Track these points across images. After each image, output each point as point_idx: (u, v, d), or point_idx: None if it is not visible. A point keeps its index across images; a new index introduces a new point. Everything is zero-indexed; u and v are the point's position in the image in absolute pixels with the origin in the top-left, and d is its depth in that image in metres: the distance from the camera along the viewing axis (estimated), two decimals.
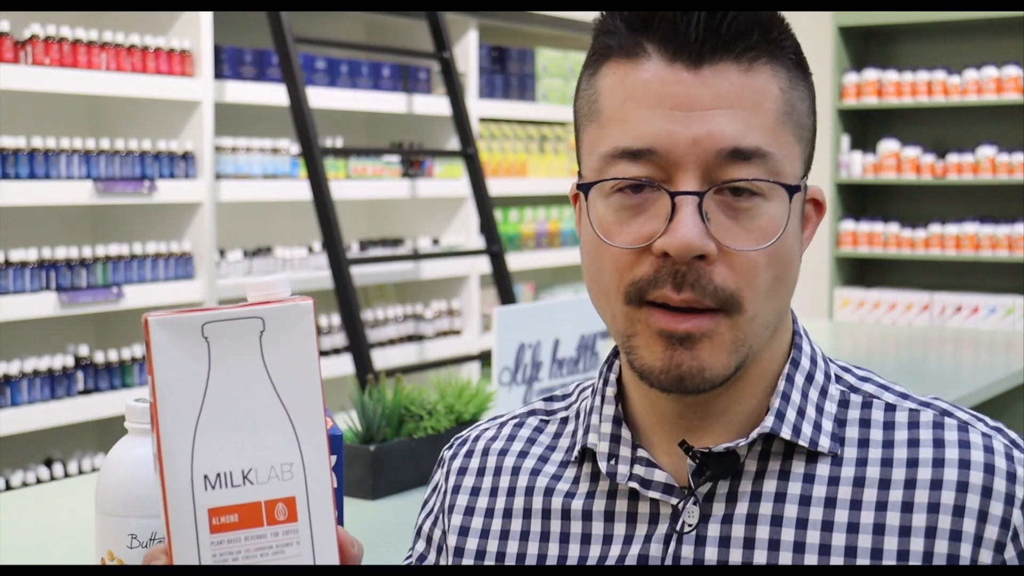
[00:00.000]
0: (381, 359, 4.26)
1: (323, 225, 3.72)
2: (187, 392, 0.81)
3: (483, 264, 4.74)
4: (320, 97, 4.13)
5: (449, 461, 1.13)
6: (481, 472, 1.09)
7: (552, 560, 1.01)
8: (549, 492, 1.04)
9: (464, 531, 1.07)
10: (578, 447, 1.03)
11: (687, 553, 0.96)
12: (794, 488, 0.95)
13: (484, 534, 1.05)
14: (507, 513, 1.05)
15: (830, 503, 0.94)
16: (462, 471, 1.10)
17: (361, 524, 1.91)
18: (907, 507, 0.93)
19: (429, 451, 2.16)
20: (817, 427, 0.97)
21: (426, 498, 1.15)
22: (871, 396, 1.00)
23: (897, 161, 5.80)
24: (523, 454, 1.07)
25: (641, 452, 0.99)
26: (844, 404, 0.99)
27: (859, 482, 0.94)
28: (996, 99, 5.60)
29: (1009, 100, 5.58)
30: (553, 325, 2.52)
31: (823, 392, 0.99)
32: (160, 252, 3.80)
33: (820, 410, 0.98)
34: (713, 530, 0.95)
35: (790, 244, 0.94)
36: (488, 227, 4.26)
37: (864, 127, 6.06)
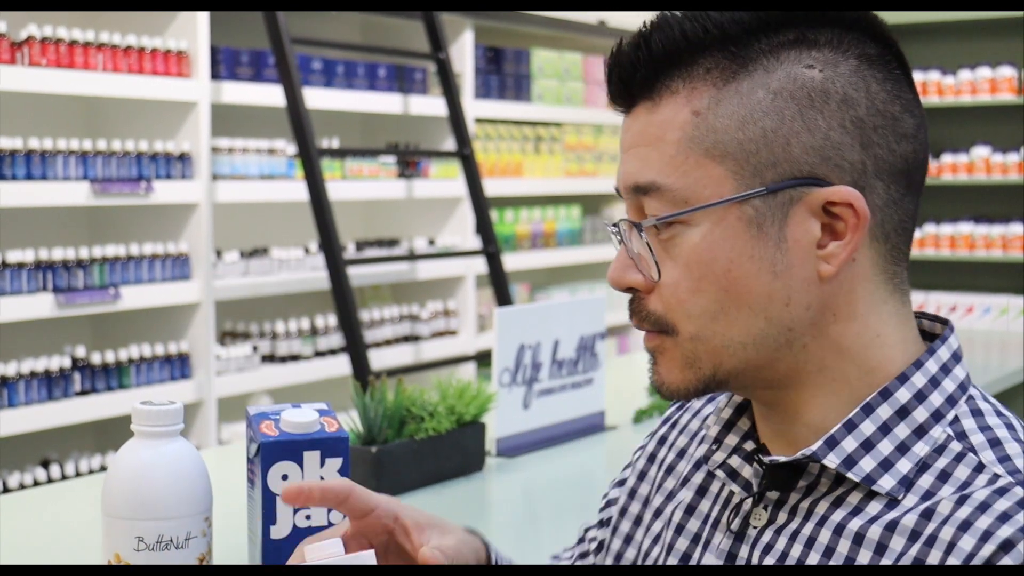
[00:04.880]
0: (377, 360, 4.26)
1: (319, 226, 3.72)
2: None
3: (479, 264, 4.74)
4: (316, 98, 4.13)
5: (661, 425, 1.18)
6: (663, 441, 1.16)
7: (648, 510, 1.11)
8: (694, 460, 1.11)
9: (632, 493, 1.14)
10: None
11: (743, 553, 0.99)
12: (838, 516, 0.93)
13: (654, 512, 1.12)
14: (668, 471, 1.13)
15: (858, 539, 0.92)
16: (664, 442, 1.16)
17: None
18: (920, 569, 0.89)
19: (430, 452, 2.16)
20: (885, 464, 0.93)
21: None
22: (968, 450, 0.92)
23: None
24: (682, 450, 1.14)
25: (748, 444, 1.02)
26: (940, 450, 0.93)
27: (891, 527, 0.90)
28: (990, 99, 5.61)
29: (1003, 100, 5.59)
30: (553, 326, 2.52)
31: (919, 431, 0.94)
32: (157, 253, 3.80)
33: (903, 448, 0.94)
34: (769, 537, 0.97)
35: (726, 265, 0.94)
36: (484, 227, 4.27)
37: None
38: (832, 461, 0.94)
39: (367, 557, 0.99)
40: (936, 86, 5.72)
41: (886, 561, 0.89)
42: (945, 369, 0.96)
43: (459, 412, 2.21)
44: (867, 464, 0.93)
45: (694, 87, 0.94)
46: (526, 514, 2.19)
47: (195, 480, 1.20)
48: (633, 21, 5.85)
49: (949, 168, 5.71)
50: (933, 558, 0.87)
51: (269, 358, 4.23)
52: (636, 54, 0.96)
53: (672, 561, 1.05)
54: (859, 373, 0.96)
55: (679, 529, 1.06)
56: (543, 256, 5.36)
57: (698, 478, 1.08)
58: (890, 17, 5.93)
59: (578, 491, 2.21)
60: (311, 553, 1.00)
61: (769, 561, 0.96)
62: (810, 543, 0.94)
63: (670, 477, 1.12)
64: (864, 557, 0.91)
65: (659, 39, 0.95)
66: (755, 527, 0.98)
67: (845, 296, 0.95)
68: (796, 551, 0.95)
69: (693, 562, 1.04)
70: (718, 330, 0.95)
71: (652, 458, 1.16)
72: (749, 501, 0.99)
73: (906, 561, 0.88)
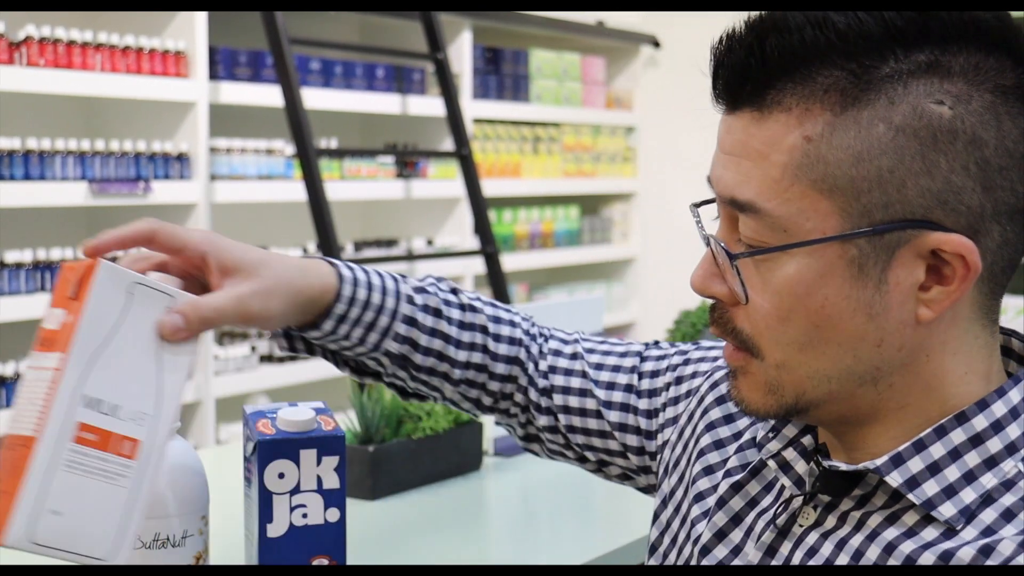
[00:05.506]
0: None
1: (318, 226, 3.72)
2: (101, 327, 0.99)
3: (478, 265, 4.74)
4: (315, 98, 4.13)
5: (710, 389, 1.16)
6: (712, 427, 1.13)
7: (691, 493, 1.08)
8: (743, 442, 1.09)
9: (696, 479, 1.11)
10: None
11: (784, 550, 0.96)
12: (891, 534, 0.90)
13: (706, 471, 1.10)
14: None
15: (908, 561, 0.88)
16: (707, 413, 1.14)
17: (360, 524, 1.91)
18: None
19: (428, 452, 2.16)
20: (949, 491, 0.89)
21: (676, 395, 1.20)
22: None
23: None
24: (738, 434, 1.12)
25: (807, 439, 0.99)
26: (1008, 485, 0.88)
27: (946, 556, 0.86)
28: None
29: None
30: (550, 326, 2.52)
31: (989, 462, 0.89)
32: None
33: (969, 477, 0.89)
34: (812, 538, 0.95)
35: (820, 302, 0.89)
36: (482, 228, 4.27)
37: None
38: (895, 479, 0.90)
39: (172, 290, 1.05)
40: None
41: None
42: None
43: (456, 412, 2.21)
44: (930, 488, 0.89)
45: (808, 108, 0.86)
46: (523, 514, 2.19)
47: (191, 479, 1.21)
48: (632, 22, 5.86)
49: None
50: None
51: (267, 358, 4.23)
52: (748, 59, 0.88)
53: (708, 534, 1.03)
54: (940, 409, 0.92)
55: (721, 503, 1.04)
56: (541, 256, 5.36)
57: (752, 455, 1.05)
58: None
59: (575, 491, 2.21)
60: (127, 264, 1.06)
61: (811, 564, 0.94)
62: (857, 555, 0.91)
63: (712, 434, 1.11)
64: None
65: (775, 44, 0.86)
66: (801, 525, 0.96)
67: (940, 337, 0.90)
68: (841, 559, 0.92)
69: (731, 543, 1.02)
70: (804, 360, 0.91)
71: (701, 399, 1.15)
72: (800, 499, 0.97)
73: None
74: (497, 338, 1.25)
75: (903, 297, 0.88)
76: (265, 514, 1.27)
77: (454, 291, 1.25)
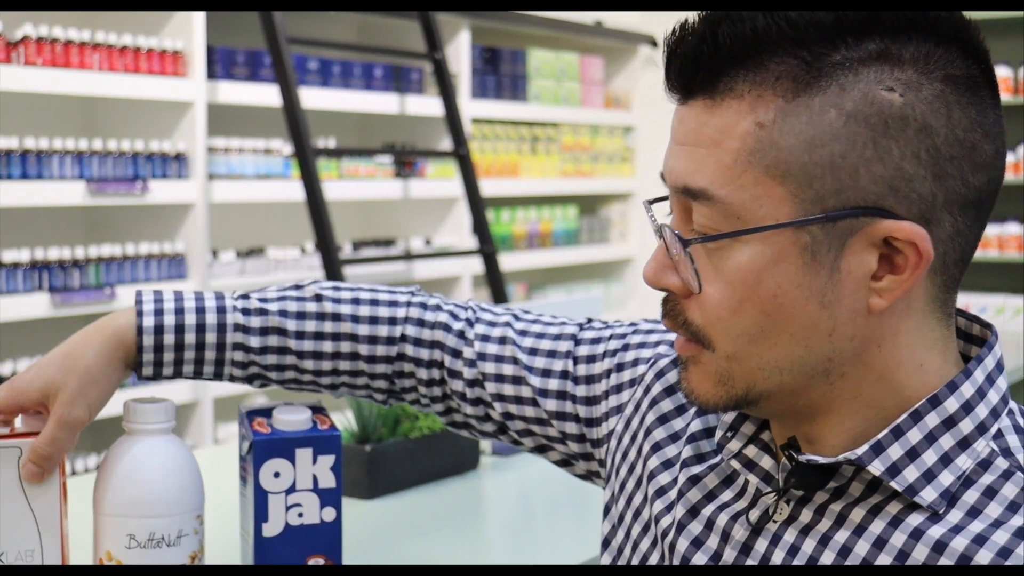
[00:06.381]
0: None
1: (316, 226, 3.72)
2: None
3: (476, 264, 4.74)
4: (313, 97, 4.13)
5: (656, 378, 1.14)
6: (665, 420, 1.11)
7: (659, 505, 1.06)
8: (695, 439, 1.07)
9: (655, 474, 1.09)
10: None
11: (760, 547, 0.95)
12: (877, 527, 0.89)
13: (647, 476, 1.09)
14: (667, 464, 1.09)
15: (902, 556, 0.88)
16: (656, 405, 1.12)
17: (357, 524, 1.91)
18: None
19: (425, 451, 2.16)
20: (928, 476, 0.89)
21: (618, 383, 1.19)
22: (1016, 468, 0.89)
23: None
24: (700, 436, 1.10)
25: (765, 436, 0.99)
26: (985, 465, 0.89)
27: (939, 548, 0.86)
28: None
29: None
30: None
31: (963, 443, 0.90)
32: (153, 253, 3.80)
33: (946, 460, 0.89)
34: (790, 535, 0.94)
35: (773, 290, 0.88)
36: (480, 227, 4.27)
37: None
38: (877, 468, 0.89)
39: (15, 441, 1.20)
40: None
41: None
42: (990, 380, 0.92)
43: None
44: (911, 474, 0.89)
45: (760, 95, 0.87)
46: (521, 513, 2.19)
47: (186, 478, 1.20)
48: (630, 21, 5.86)
49: None
50: None
51: None
52: (700, 46, 0.88)
53: (673, 531, 1.02)
54: (896, 400, 0.92)
55: (679, 496, 1.03)
56: (539, 256, 5.36)
57: (705, 446, 1.05)
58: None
59: (572, 490, 2.21)
60: (23, 423, 1.23)
61: (796, 563, 0.93)
62: (845, 552, 0.90)
63: (666, 427, 1.10)
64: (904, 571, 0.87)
65: (727, 33, 0.87)
66: (775, 521, 0.95)
67: (892, 327, 0.90)
68: (827, 557, 0.91)
69: (691, 535, 1.01)
70: (755, 352, 0.90)
71: (647, 389, 1.14)
72: (772, 495, 0.96)
73: None
74: (372, 340, 1.28)
75: (855, 286, 0.88)
76: (261, 513, 1.27)
77: (318, 297, 1.28)
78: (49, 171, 3.52)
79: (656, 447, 1.10)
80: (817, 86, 0.86)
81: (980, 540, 0.85)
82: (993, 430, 0.91)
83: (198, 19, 3.85)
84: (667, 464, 1.08)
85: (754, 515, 0.97)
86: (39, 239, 3.78)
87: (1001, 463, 0.89)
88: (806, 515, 0.94)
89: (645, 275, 0.94)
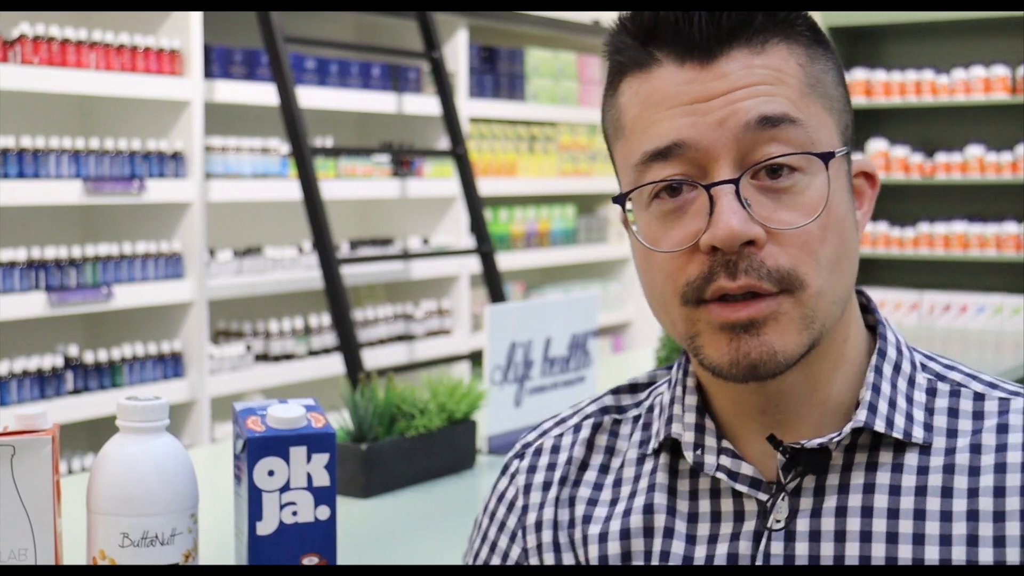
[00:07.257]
0: (371, 359, 4.25)
1: (313, 225, 3.71)
2: None
3: (473, 264, 4.74)
4: (310, 97, 4.13)
5: (527, 473, 1.10)
6: (563, 482, 1.06)
7: (638, 558, 0.99)
8: (635, 495, 1.02)
9: (557, 547, 1.05)
10: (659, 438, 1.01)
11: (777, 550, 0.94)
12: (883, 478, 0.93)
13: (583, 541, 1.03)
14: (594, 520, 1.03)
15: (921, 491, 0.92)
16: (545, 486, 1.07)
17: (353, 523, 1.91)
18: (999, 492, 0.91)
19: (421, 450, 2.16)
20: (909, 417, 0.96)
21: (492, 508, 1.15)
22: (959, 385, 0.98)
23: (886, 161, 5.82)
24: (604, 468, 1.05)
25: (726, 444, 0.98)
26: (932, 393, 0.98)
27: (949, 469, 0.93)
28: (984, 99, 5.61)
29: (997, 100, 5.59)
30: (544, 324, 2.52)
31: (911, 381, 0.98)
32: (150, 252, 3.80)
33: (910, 400, 0.97)
34: (803, 525, 0.94)
35: (841, 215, 0.93)
36: (478, 227, 4.26)
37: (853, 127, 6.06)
38: (880, 426, 0.94)
39: (45, 440, 1.20)
40: (930, 85, 5.72)
41: (957, 501, 0.92)
42: (888, 323, 1.01)
43: (450, 410, 2.21)
44: (900, 421, 0.95)
45: (791, 39, 0.94)
46: None
47: (180, 476, 1.20)
48: None
49: (943, 167, 5.71)
50: (1013, 460, 0.92)
51: (263, 357, 4.23)
52: (712, 17, 0.92)
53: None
54: (859, 336, 0.99)
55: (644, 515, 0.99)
56: (537, 255, 5.36)
57: (681, 506, 0.99)
58: (884, 17, 5.93)
59: None
60: (15, 421, 1.20)
61: (826, 545, 0.93)
62: (867, 513, 0.93)
63: (584, 488, 1.05)
64: (933, 504, 0.92)
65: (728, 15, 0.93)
66: (779, 520, 0.94)
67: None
68: (853, 525, 0.92)
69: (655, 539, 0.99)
70: (833, 283, 0.93)
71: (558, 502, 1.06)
72: (768, 499, 0.95)
73: (986, 495, 0.91)
74: None
75: (858, 216, 0.98)
76: (255, 512, 1.26)
77: None
78: (46, 170, 3.51)
79: (572, 522, 1.04)
80: (816, 41, 0.96)
81: (976, 448, 0.93)
82: (918, 365, 1.00)
83: (195, 18, 3.85)
84: (590, 516, 1.03)
85: (755, 525, 0.95)
86: (36, 238, 3.77)
87: (943, 387, 0.98)
88: (806, 502, 0.94)
89: (732, 230, 0.89)
